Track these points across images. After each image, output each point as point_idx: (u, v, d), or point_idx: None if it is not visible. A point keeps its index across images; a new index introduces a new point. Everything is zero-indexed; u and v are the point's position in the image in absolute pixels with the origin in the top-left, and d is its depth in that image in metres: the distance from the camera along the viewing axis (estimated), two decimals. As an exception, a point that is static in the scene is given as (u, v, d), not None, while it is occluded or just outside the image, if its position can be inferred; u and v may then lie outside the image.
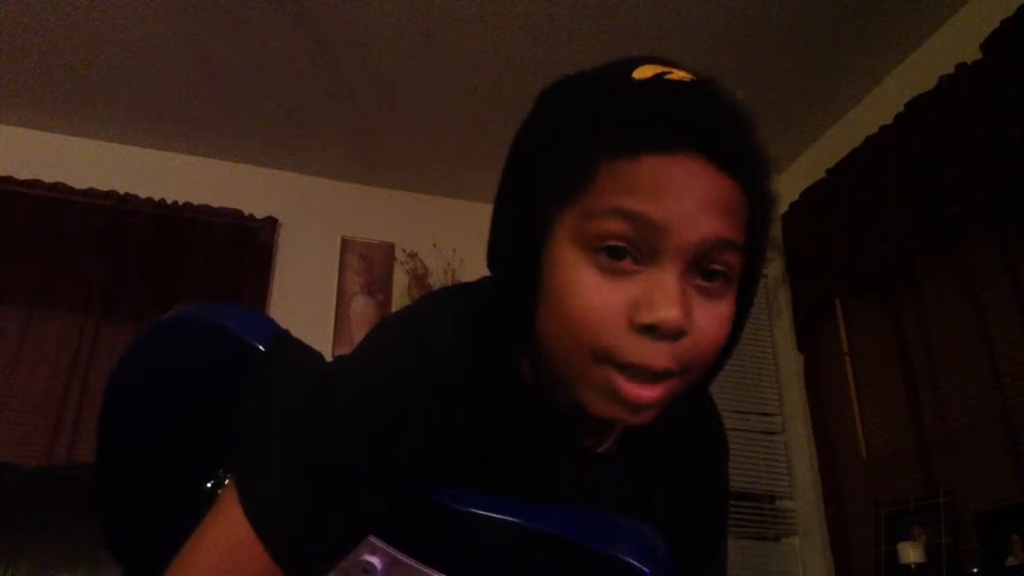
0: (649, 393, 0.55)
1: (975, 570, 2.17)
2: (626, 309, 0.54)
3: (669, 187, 0.54)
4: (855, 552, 2.70)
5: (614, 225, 0.54)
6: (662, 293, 0.53)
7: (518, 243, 0.60)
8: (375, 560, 0.60)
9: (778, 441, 3.19)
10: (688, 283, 0.55)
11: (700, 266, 0.55)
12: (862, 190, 2.78)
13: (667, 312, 0.53)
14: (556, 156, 0.58)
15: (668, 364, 0.55)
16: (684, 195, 0.54)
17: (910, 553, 2.30)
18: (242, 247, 3.21)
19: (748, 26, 2.64)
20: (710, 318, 0.56)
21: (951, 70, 2.47)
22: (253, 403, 0.59)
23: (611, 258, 0.55)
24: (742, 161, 0.56)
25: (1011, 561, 2.07)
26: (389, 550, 0.60)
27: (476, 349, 0.62)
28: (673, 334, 0.54)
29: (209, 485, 0.67)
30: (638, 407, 0.56)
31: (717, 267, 0.56)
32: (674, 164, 0.54)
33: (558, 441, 0.66)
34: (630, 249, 0.55)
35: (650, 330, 0.54)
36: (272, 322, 0.67)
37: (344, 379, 0.59)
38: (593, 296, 0.55)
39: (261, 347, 0.64)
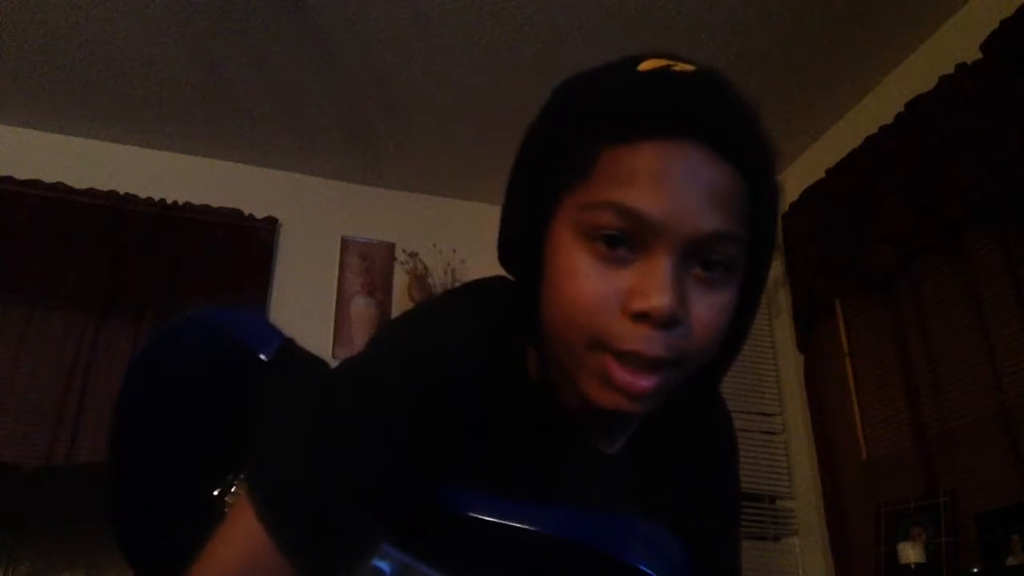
0: (644, 382, 0.55)
1: (975, 570, 2.17)
2: (620, 296, 0.54)
3: (667, 176, 0.54)
4: (855, 552, 2.69)
5: (609, 218, 0.54)
6: (655, 281, 0.53)
7: (524, 230, 0.61)
8: (384, 565, 0.60)
9: (778, 441, 3.19)
10: (686, 273, 0.55)
11: (698, 256, 0.55)
12: (862, 190, 2.78)
13: (659, 300, 0.53)
14: (560, 144, 0.59)
15: (661, 353, 0.54)
16: (681, 185, 0.54)
17: (910, 553, 2.30)
18: (242, 247, 3.21)
19: (748, 26, 2.64)
20: (707, 307, 0.56)
21: (951, 70, 2.47)
22: (261, 413, 0.59)
23: (607, 246, 0.55)
24: (743, 150, 0.56)
25: (1011, 561, 2.07)
26: (398, 555, 0.60)
27: (485, 343, 0.62)
28: (665, 322, 0.53)
29: (216, 492, 0.67)
30: (633, 395, 0.55)
31: (715, 258, 0.55)
32: (673, 151, 0.54)
33: (566, 439, 0.66)
34: (626, 238, 0.55)
35: (643, 318, 0.54)
36: (276, 330, 0.68)
37: (350, 376, 0.59)
38: (589, 283, 0.55)
39: (264, 357, 0.64)
